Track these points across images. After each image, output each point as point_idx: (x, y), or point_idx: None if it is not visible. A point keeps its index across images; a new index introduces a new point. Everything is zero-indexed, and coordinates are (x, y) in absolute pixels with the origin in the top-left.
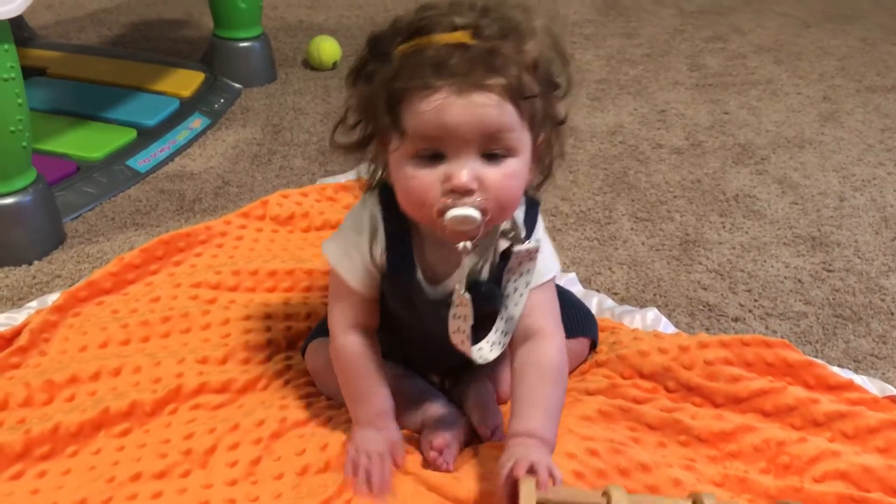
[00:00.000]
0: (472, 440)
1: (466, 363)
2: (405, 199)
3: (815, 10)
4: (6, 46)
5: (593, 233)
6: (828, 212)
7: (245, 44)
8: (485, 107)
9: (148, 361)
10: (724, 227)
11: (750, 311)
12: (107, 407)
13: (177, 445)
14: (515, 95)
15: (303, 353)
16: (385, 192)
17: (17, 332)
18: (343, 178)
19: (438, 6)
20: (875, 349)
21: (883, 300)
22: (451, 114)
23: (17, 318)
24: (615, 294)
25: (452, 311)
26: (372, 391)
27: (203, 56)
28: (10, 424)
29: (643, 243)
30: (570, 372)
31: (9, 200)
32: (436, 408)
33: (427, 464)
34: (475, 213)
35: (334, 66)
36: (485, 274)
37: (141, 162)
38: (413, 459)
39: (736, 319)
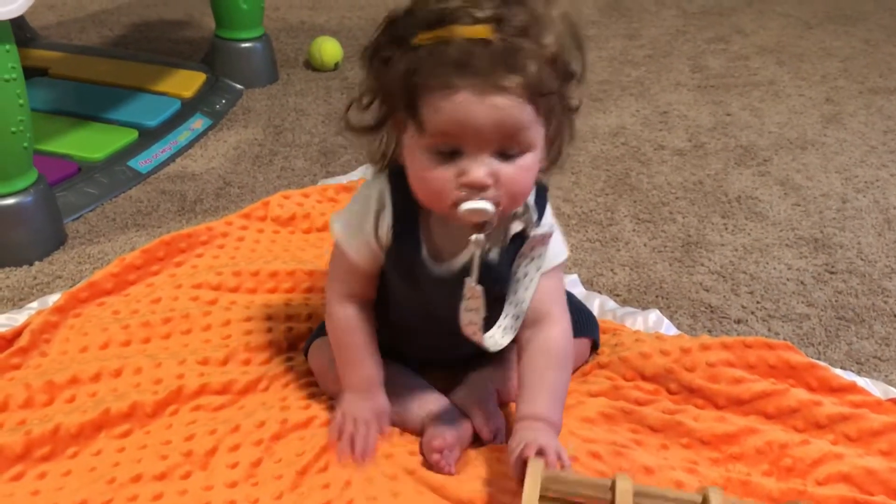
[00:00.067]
0: (474, 442)
1: (467, 356)
2: (419, 188)
3: (818, 11)
4: (7, 47)
5: (595, 234)
6: (830, 213)
7: (247, 44)
8: (505, 108)
9: (149, 362)
10: (726, 229)
11: (752, 312)
12: (107, 408)
13: (177, 447)
14: (535, 94)
15: (305, 354)
16: (394, 171)
17: (17, 333)
18: (345, 179)
19: None
20: (878, 351)
21: (886, 302)
22: (471, 114)
23: (17, 318)
24: (617, 296)
25: (464, 304)
26: (362, 359)
27: (204, 57)
28: (11, 425)
29: (645, 245)
30: (572, 372)
31: (10, 201)
32: (437, 409)
33: (429, 465)
34: (489, 206)
35: (336, 67)
36: (493, 255)
37: (142, 163)
38: (414, 460)
39: (738, 321)
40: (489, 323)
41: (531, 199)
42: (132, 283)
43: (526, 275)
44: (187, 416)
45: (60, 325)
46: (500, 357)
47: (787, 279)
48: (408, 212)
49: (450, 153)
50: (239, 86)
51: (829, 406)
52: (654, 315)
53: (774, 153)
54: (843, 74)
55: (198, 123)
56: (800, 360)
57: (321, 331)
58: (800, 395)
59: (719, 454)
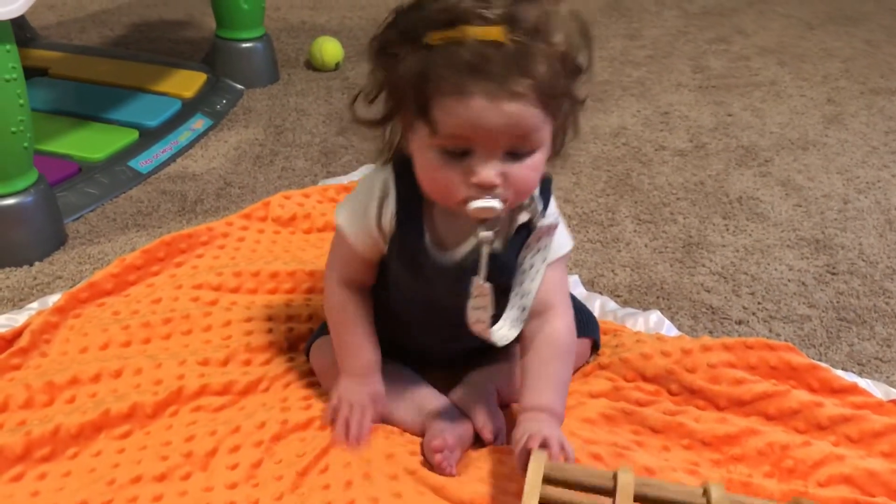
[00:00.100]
0: (475, 443)
1: (468, 349)
2: (427, 184)
3: (819, 11)
4: (8, 47)
5: (596, 235)
6: (832, 214)
7: (247, 45)
8: (517, 113)
9: (149, 363)
10: (727, 230)
11: (753, 313)
12: (107, 409)
13: (178, 448)
14: (546, 97)
15: (307, 353)
16: (399, 160)
17: (17, 334)
18: (346, 180)
19: None
20: (879, 352)
21: (887, 303)
22: (483, 119)
23: (17, 319)
24: (618, 296)
25: (472, 303)
26: (359, 344)
27: (205, 57)
28: (11, 426)
29: (646, 245)
30: (573, 373)
31: (10, 201)
32: (438, 410)
33: (430, 465)
34: (498, 205)
35: (337, 67)
36: (498, 245)
37: (143, 163)
38: (415, 461)
39: (739, 322)
40: (495, 315)
41: (536, 189)
42: (132, 284)
43: (532, 266)
44: (187, 416)
45: (60, 326)
46: (500, 356)
47: (789, 280)
48: (411, 201)
49: (460, 153)
50: (240, 86)
51: (831, 407)
52: (654, 316)
53: (776, 154)
54: (844, 75)
55: (198, 123)
56: (801, 361)
57: (322, 330)
58: (801, 396)
59: (720, 455)
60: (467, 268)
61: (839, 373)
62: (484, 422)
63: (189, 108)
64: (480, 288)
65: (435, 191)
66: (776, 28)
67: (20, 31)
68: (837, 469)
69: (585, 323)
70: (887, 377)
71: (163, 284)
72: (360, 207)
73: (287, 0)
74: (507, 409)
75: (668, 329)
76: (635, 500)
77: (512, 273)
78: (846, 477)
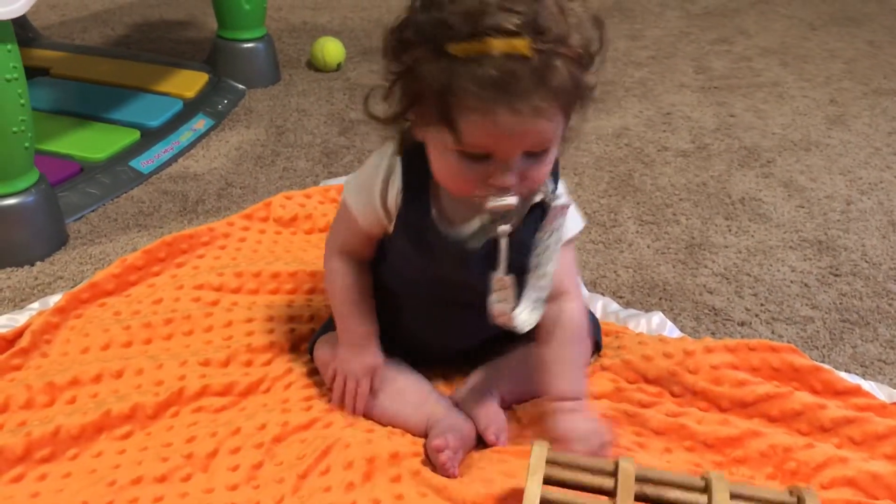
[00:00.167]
0: (477, 444)
1: (470, 338)
2: (443, 180)
3: (821, 12)
4: (9, 46)
5: (598, 235)
6: (834, 215)
7: (249, 45)
8: (541, 125)
9: (150, 364)
10: (729, 231)
11: (756, 315)
12: (108, 409)
13: (178, 449)
14: (567, 104)
15: (310, 351)
16: (406, 139)
17: (18, 334)
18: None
19: None
20: (883, 354)
21: (891, 305)
22: (507, 132)
23: (18, 319)
24: (620, 297)
25: (494, 297)
26: (356, 314)
27: (207, 57)
28: (11, 427)
29: (648, 246)
30: None
31: (11, 201)
32: (441, 411)
33: (432, 467)
34: (514, 200)
35: (338, 67)
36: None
37: (144, 163)
38: (417, 462)
39: (742, 324)
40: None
41: None
42: (133, 284)
43: (548, 248)
44: (188, 417)
45: (61, 326)
46: (499, 353)
47: (791, 281)
48: (418, 179)
49: (479, 157)
50: (241, 86)
51: (834, 409)
52: (657, 317)
53: (778, 154)
54: (847, 76)
55: (200, 124)
56: (804, 362)
57: (326, 328)
58: (804, 398)
59: (723, 457)
60: (475, 245)
61: (842, 375)
62: (487, 423)
63: (190, 109)
64: (501, 281)
65: (451, 187)
66: (778, 29)
67: (22, 30)
68: (840, 471)
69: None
70: (891, 379)
71: (164, 285)
72: (366, 184)
73: (289, 0)
74: (509, 410)
75: (671, 330)
76: (637, 479)
77: (527, 253)
78: (849, 479)
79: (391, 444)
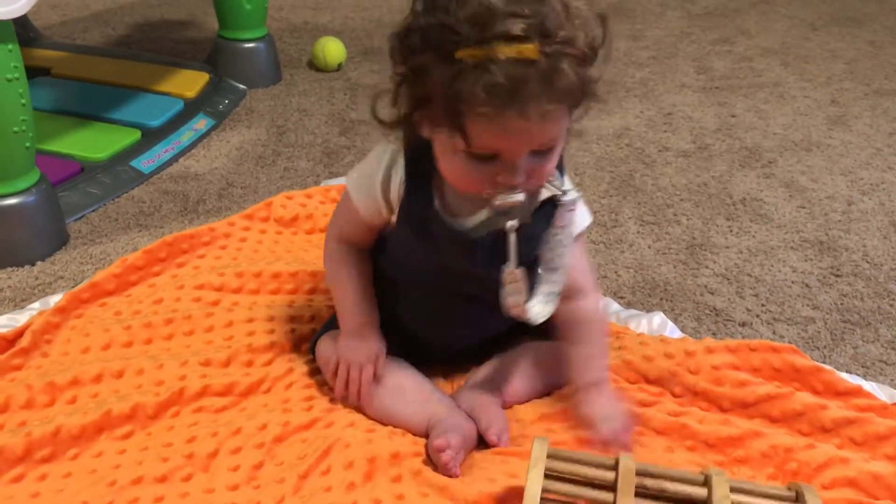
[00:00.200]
0: (479, 444)
1: (474, 333)
2: (450, 178)
3: (822, 12)
4: (10, 46)
5: (599, 236)
6: (836, 216)
7: (250, 45)
8: (549, 127)
9: (150, 364)
10: (730, 231)
11: (757, 315)
12: (109, 409)
13: (179, 449)
14: (574, 104)
15: (312, 351)
16: (410, 132)
17: (19, 334)
18: None
19: None
20: (884, 355)
21: (892, 305)
22: (516, 134)
23: (19, 319)
24: (621, 298)
25: (506, 290)
26: (356, 301)
27: (208, 57)
28: (11, 427)
29: (649, 247)
30: None
31: (12, 201)
32: (443, 411)
33: (434, 467)
34: (521, 197)
35: (339, 67)
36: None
37: (145, 163)
38: (419, 462)
39: (743, 324)
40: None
41: None
42: (134, 284)
43: (560, 243)
44: (189, 417)
45: (62, 326)
46: (499, 350)
47: (792, 282)
48: (420, 170)
49: (487, 157)
50: (242, 86)
51: (835, 410)
52: (658, 317)
53: (779, 155)
54: (848, 76)
55: (201, 124)
56: (805, 363)
57: (327, 327)
58: (805, 398)
59: (724, 457)
60: (481, 236)
61: (843, 375)
62: (488, 423)
63: (191, 109)
64: (512, 274)
65: (458, 185)
66: (779, 29)
67: (23, 30)
68: (841, 472)
69: None
70: (892, 380)
71: (164, 285)
72: (368, 174)
73: (290, 0)
74: (510, 410)
75: (672, 331)
76: (637, 474)
77: (537, 246)
78: (850, 480)
79: (392, 443)
